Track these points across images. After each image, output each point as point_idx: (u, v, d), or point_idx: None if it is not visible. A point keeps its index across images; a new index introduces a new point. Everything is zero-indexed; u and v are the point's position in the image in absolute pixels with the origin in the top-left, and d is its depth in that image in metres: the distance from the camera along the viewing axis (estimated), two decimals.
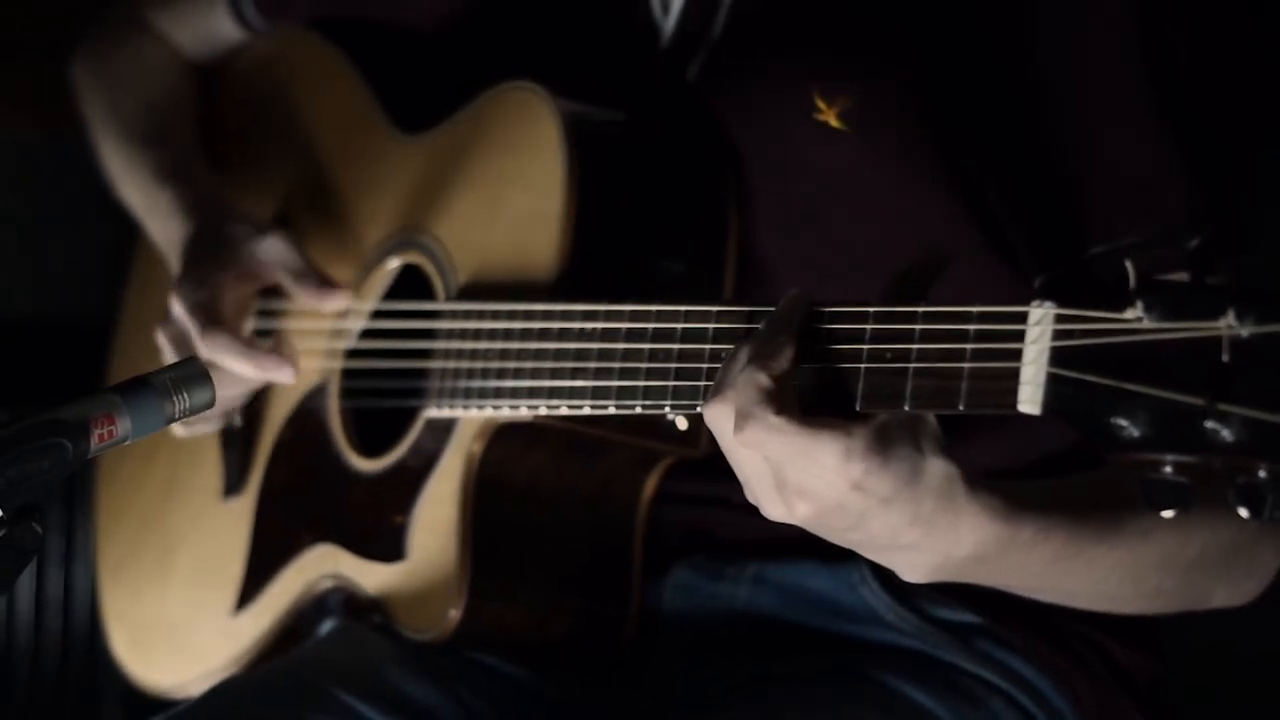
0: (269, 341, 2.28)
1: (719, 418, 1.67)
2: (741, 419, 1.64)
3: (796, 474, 1.66)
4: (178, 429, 2.28)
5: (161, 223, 2.37)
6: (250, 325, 2.27)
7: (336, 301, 2.24)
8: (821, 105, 2.06)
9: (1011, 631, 2.12)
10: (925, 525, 1.69)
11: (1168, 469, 1.48)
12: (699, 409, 1.74)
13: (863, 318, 1.66)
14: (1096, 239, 1.96)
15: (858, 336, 1.66)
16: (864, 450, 1.64)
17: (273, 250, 2.25)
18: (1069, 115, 2.00)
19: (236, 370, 2.18)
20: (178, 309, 2.22)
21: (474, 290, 2.11)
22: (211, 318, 2.19)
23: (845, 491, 1.65)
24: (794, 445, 1.64)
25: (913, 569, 1.75)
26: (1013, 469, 2.09)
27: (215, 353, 2.17)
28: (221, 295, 2.21)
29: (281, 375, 2.19)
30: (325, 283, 2.25)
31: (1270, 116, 2.19)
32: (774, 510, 1.70)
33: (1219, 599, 1.97)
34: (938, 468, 1.67)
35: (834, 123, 2.06)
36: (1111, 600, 1.94)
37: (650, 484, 2.12)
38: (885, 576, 2.13)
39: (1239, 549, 1.93)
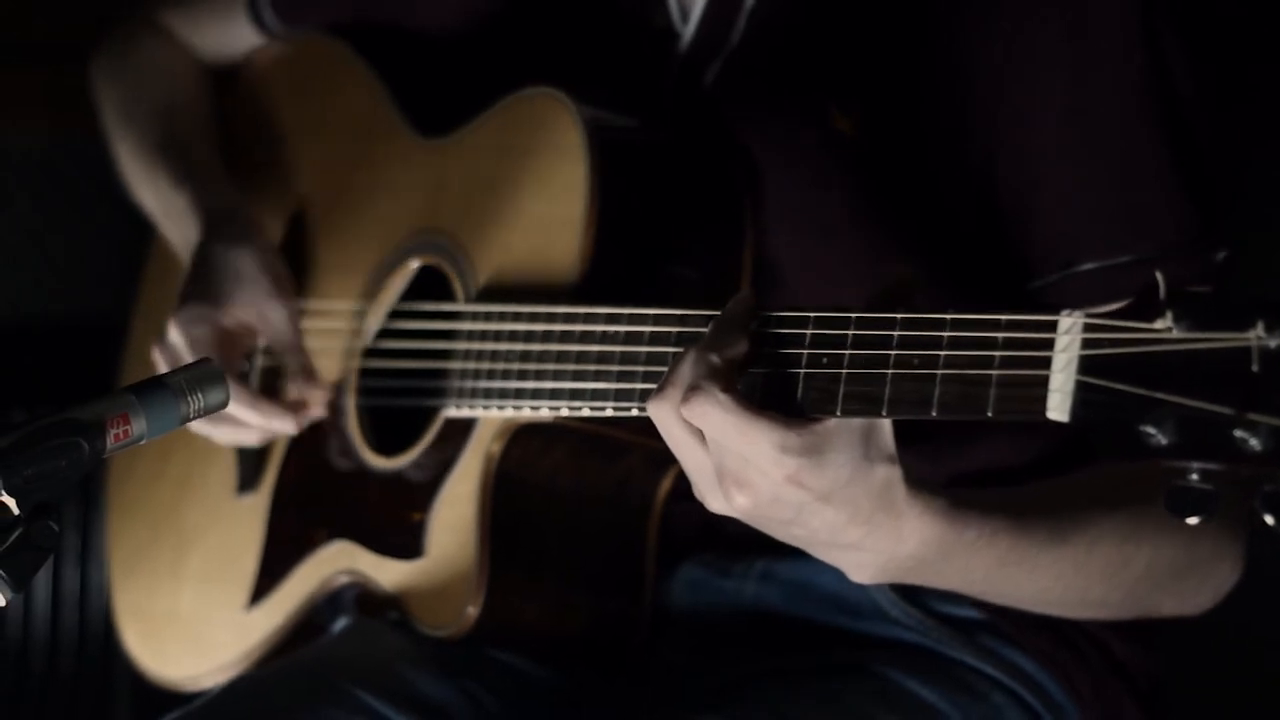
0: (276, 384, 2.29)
1: (663, 412, 1.70)
2: (690, 391, 1.67)
3: (734, 462, 1.68)
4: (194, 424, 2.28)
5: (178, 225, 2.37)
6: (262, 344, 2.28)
7: (314, 408, 2.24)
8: (838, 114, 2.07)
9: (1014, 627, 2.13)
10: (866, 525, 1.72)
11: (1194, 476, 1.49)
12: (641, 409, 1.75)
13: (890, 323, 1.67)
14: (1092, 254, 1.99)
15: (886, 342, 1.66)
16: (800, 447, 1.66)
17: (276, 320, 2.26)
18: (1068, 132, 2.01)
19: (240, 417, 2.19)
20: (176, 338, 2.22)
21: (493, 292, 2.12)
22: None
23: (780, 484, 1.67)
24: (734, 425, 1.66)
25: (859, 568, 1.78)
26: (1013, 467, 2.11)
27: None
28: (219, 336, 2.22)
29: (284, 426, 2.21)
30: (311, 373, 2.25)
31: (1263, 129, 2.21)
32: (714, 502, 1.73)
33: (1168, 609, 2.01)
34: (880, 472, 1.70)
35: (850, 132, 2.06)
36: (1055, 606, 1.98)
37: (666, 484, 2.14)
38: None
39: (1193, 565, 1.97)
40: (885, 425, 1.70)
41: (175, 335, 2.22)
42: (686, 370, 1.69)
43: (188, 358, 2.19)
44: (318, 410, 2.25)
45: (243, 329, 2.25)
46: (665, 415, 1.70)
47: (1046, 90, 2.01)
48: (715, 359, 1.68)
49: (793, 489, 1.68)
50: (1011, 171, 2.03)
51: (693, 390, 1.67)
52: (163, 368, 2.24)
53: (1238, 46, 2.16)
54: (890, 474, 1.71)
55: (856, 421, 1.68)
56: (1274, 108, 2.46)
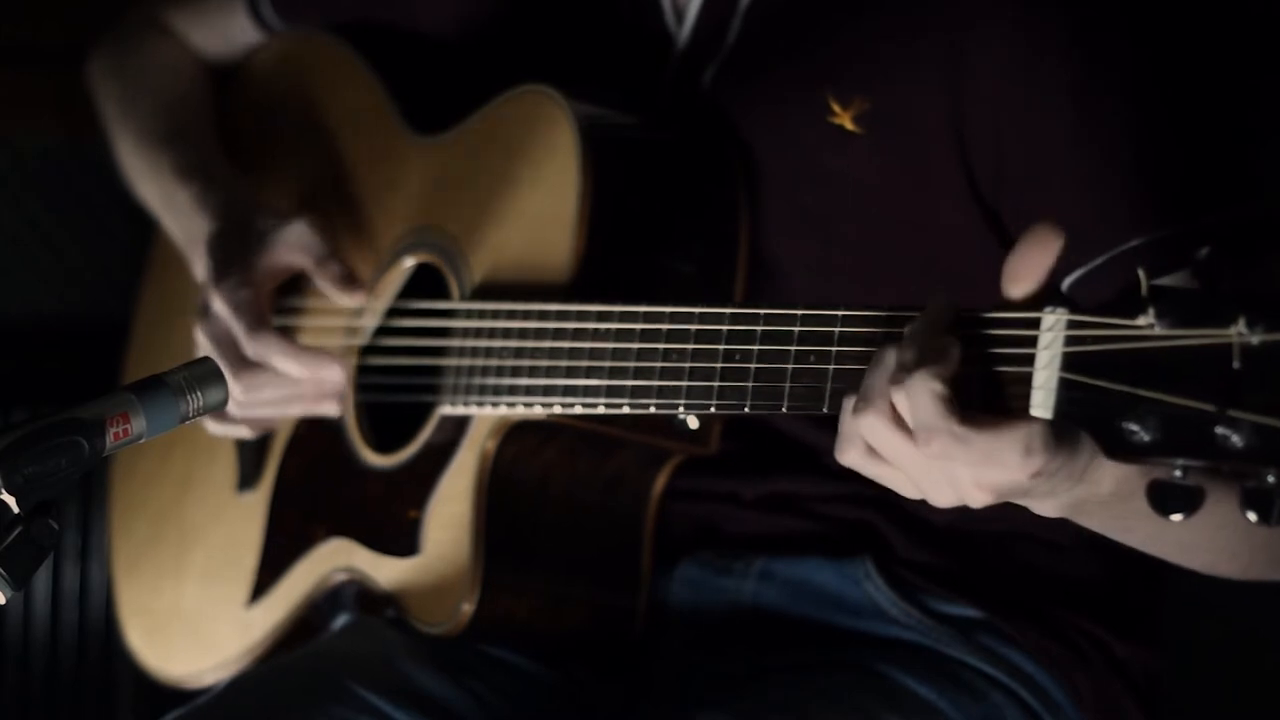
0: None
1: (872, 428, 1.65)
2: (927, 434, 1.62)
3: (973, 472, 1.63)
4: (210, 425, 2.29)
5: (182, 220, 2.37)
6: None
7: (353, 297, 2.25)
8: (836, 108, 2.07)
9: (1013, 626, 2.14)
10: (1078, 479, 1.67)
11: (1177, 473, 1.49)
12: (829, 413, 1.70)
13: (878, 321, 1.67)
14: (1112, 241, 1.97)
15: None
16: (1043, 442, 1.61)
17: (296, 234, 2.26)
18: (1070, 126, 2.00)
19: (286, 370, 2.19)
20: (220, 307, 2.22)
21: (489, 290, 2.13)
22: (257, 318, 2.20)
23: (1025, 481, 1.63)
24: (980, 452, 1.62)
25: (1051, 510, 1.72)
26: None
27: (264, 353, 2.19)
28: (263, 294, 2.23)
29: (330, 372, 2.21)
30: (348, 274, 2.25)
31: (1262, 129, 2.20)
32: (943, 502, 1.68)
33: None
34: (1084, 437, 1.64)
35: (849, 125, 2.07)
36: (1217, 555, 1.88)
37: (660, 481, 2.14)
38: (889, 572, 2.14)
39: None
40: None
41: (219, 305, 2.22)
42: (910, 405, 1.62)
43: (234, 325, 2.20)
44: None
45: (276, 272, 2.25)
46: (874, 434, 1.65)
47: (1046, 83, 2.01)
48: (940, 387, 1.61)
49: (1036, 480, 1.63)
50: (1015, 165, 2.03)
51: (929, 432, 1.61)
52: (204, 342, 2.25)
53: (1238, 46, 2.16)
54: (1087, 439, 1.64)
55: None
56: (1274, 107, 2.45)
